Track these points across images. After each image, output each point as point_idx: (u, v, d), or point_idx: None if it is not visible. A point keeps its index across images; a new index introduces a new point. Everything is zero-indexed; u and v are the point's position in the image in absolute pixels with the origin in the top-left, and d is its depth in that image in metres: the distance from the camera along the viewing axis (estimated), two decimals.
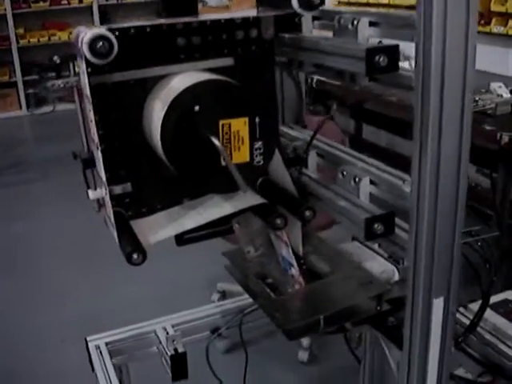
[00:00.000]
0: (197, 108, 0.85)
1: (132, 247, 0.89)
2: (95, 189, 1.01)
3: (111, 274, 2.80)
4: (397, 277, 1.19)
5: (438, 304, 0.96)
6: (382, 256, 1.24)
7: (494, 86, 2.61)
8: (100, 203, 1.03)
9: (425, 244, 0.90)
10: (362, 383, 1.74)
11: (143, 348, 1.38)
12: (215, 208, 1.02)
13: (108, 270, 2.81)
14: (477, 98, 2.35)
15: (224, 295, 2.68)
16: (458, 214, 0.90)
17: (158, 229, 0.99)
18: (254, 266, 1.20)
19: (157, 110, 0.92)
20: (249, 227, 1.19)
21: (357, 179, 1.01)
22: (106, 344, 1.34)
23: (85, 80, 0.86)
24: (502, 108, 2.28)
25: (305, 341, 2.31)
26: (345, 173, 1.05)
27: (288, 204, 1.02)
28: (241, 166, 0.91)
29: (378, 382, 1.73)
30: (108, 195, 0.91)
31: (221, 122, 0.88)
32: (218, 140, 0.87)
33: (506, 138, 1.99)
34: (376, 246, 1.30)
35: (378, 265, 1.19)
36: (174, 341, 1.31)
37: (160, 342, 1.36)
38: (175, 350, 1.31)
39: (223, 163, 0.90)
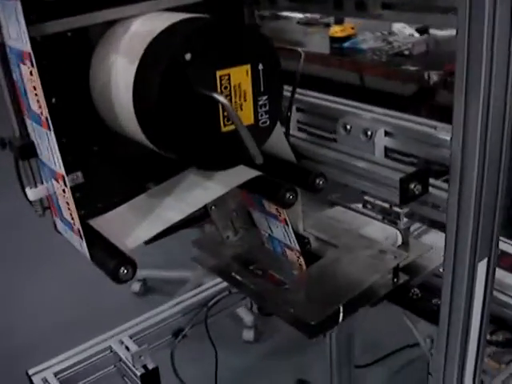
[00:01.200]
0: (188, 56, 0.61)
1: (116, 260, 0.64)
2: (35, 186, 0.74)
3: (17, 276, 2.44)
4: (400, 241, 1.04)
5: (482, 267, 0.82)
6: (375, 219, 1.09)
7: (398, 26, 2.53)
8: (44, 205, 0.76)
9: (473, 201, 0.74)
10: (329, 354, 1.62)
11: (100, 370, 1.12)
12: (201, 190, 0.79)
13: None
14: (391, 40, 2.26)
15: (145, 283, 2.42)
16: (504, 163, 0.75)
17: (133, 228, 0.74)
18: (234, 252, 0.99)
19: (120, 67, 0.67)
20: (227, 208, 0.97)
21: (368, 132, 0.83)
22: (55, 375, 1.07)
23: (20, 29, 0.58)
24: (419, 47, 2.20)
25: (247, 318, 2.13)
26: (348, 126, 0.86)
27: (292, 174, 0.81)
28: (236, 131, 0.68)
29: (345, 352, 1.62)
30: (69, 191, 0.65)
31: (218, 74, 0.65)
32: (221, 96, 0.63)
33: (434, 77, 1.91)
34: (360, 207, 1.14)
35: (379, 230, 1.03)
36: (140, 356, 1.07)
37: (120, 360, 1.11)
38: (144, 366, 1.07)
39: (225, 128, 0.67)
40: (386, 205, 1.09)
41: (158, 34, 0.63)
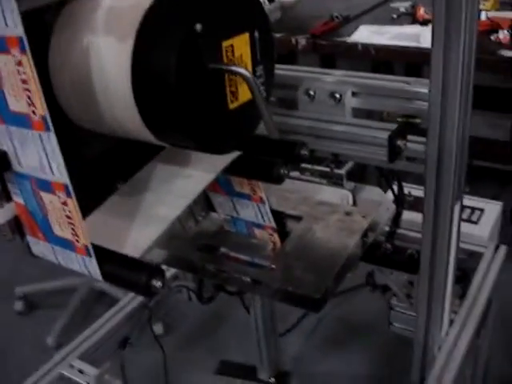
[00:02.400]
0: (199, 27, 0.54)
1: (145, 272, 0.55)
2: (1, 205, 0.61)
3: None
4: (351, 201, 1.04)
5: (457, 209, 0.86)
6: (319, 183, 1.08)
7: None
8: (12, 227, 0.63)
9: (455, 146, 0.76)
10: (254, 327, 1.62)
11: None
12: (185, 179, 0.72)
13: None
14: None
15: (27, 300, 2.19)
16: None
17: (129, 234, 0.65)
18: (200, 242, 0.92)
19: (105, 48, 0.57)
20: None
21: (336, 95, 0.81)
22: None
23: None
24: (275, 14, 2.22)
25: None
26: (312, 92, 0.83)
27: (273, 148, 0.77)
28: (246, 106, 0.63)
29: (270, 321, 1.63)
30: (73, 202, 0.54)
31: (224, 45, 0.58)
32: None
33: (302, 41, 1.94)
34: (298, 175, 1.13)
35: (331, 193, 1.03)
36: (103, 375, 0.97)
37: None
38: None
39: (232, 105, 0.61)
40: (326, 168, 1.09)
41: (153, 4, 0.55)
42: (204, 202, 0.93)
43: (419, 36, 1.86)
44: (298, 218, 0.95)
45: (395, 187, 1.07)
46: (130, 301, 1.17)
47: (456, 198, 0.82)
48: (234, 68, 0.56)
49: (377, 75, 0.81)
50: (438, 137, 0.75)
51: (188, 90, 0.55)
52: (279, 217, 0.90)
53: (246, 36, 0.60)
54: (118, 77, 0.56)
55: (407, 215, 1.07)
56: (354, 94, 0.81)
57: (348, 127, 0.79)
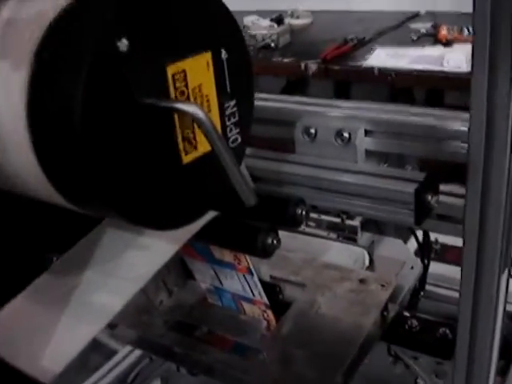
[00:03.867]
0: (123, 44, 0.35)
1: None
2: None
3: None
4: (367, 260, 0.85)
5: (504, 279, 0.66)
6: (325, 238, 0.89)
7: (249, 20, 2.37)
8: None
9: (503, 204, 0.56)
10: None
11: None
12: (140, 253, 0.53)
13: None
14: (253, 33, 2.08)
15: None
16: None
17: (55, 334, 0.46)
18: (173, 319, 0.73)
19: None
20: None
21: (345, 134, 0.62)
22: None
23: None
24: (284, 38, 2.06)
25: None
26: (313, 130, 0.64)
27: (260, 207, 0.57)
28: (206, 157, 0.44)
29: None
30: None
31: (170, 71, 0.39)
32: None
33: (313, 67, 1.76)
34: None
35: (342, 252, 0.83)
36: None
37: None
38: None
39: (186, 158, 0.42)
40: (337, 219, 0.90)
41: (59, 15, 0.36)
42: (180, 267, 0.74)
43: (443, 58, 1.67)
44: (300, 286, 0.75)
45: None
46: (104, 374, 0.98)
47: (504, 266, 0.63)
48: (178, 105, 0.37)
49: (395, 107, 0.62)
50: (481, 189, 0.56)
51: (106, 135, 0.36)
52: (274, 288, 0.70)
53: (206, 56, 0.42)
54: (12, 117, 0.38)
55: (434, 267, 0.88)
56: (367, 132, 0.62)
57: (360, 177, 0.59)
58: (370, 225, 0.97)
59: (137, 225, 0.43)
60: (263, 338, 0.69)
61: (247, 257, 0.62)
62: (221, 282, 0.70)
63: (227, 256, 0.64)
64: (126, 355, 1.02)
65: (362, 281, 0.74)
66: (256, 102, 0.62)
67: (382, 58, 1.76)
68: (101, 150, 0.36)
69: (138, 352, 1.02)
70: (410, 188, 0.56)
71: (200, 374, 1.03)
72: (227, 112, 0.45)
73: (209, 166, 0.43)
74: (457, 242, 1.08)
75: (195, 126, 0.41)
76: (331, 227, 0.89)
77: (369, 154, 0.63)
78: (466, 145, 0.53)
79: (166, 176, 0.41)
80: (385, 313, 0.73)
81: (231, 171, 0.40)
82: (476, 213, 0.56)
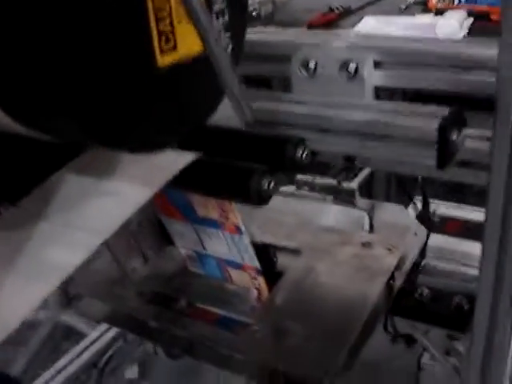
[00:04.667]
0: None
1: None
2: None
3: None
4: (367, 224, 0.76)
5: None
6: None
7: None
8: None
9: None
10: None
11: None
12: (112, 199, 0.43)
13: None
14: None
15: None
16: None
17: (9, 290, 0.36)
18: (151, 290, 0.63)
19: None
20: (128, 222, 0.60)
21: (351, 66, 0.53)
22: None
23: None
24: (266, 7, 1.95)
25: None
26: (311, 64, 0.54)
27: (256, 148, 0.48)
28: (194, 65, 0.34)
29: None
30: None
31: None
32: None
33: None
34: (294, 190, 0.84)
35: (340, 215, 0.74)
36: None
37: None
38: None
39: (162, 60, 0.32)
40: (332, 181, 0.81)
41: None
42: (156, 229, 0.64)
43: (435, 26, 1.59)
44: (295, 252, 0.66)
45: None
46: (73, 358, 0.88)
47: None
48: None
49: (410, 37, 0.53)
50: None
51: (59, 27, 0.26)
52: (266, 251, 0.61)
53: None
54: None
55: (432, 240, 0.79)
56: (377, 64, 0.53)
57: (370, 114, 0.50)
58: (368, 190, 0.88)
59: (103, 145, 0.33)
60: (254, 310, 0.60)
61: (236, 212, 0.53)
62: (204, 247, 0.60)
63: (212, 211, 0.54)
64: (98, 337, 0.92)
65: (365, 244, 0.65)
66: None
67: (370, 25, 1.67)
68: (54, 47, 0.26)
69: (110, 334, 0.92)
70: (433, 124, 0.46)
71: (180, 358, 0.94)
72: (215, 7, 0.35)
73: (193, 74, 0.33)
74: (456, 214, 1.00)
75: (173, 16, 0.31)
76: (326, 190, 0.80)
77: (379, 91, 0.54)
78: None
79: (138, 81, 0.31)
80: (391, 281, 0.64)
81: (225, 76, 0.30)
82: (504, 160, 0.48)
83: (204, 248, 0.60)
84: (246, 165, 0.44)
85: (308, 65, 0.54)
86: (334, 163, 0.64)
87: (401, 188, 0.95)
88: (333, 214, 0.74)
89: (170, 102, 0.35)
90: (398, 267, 0.64)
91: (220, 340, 0.56)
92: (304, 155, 0.47)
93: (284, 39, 0.57)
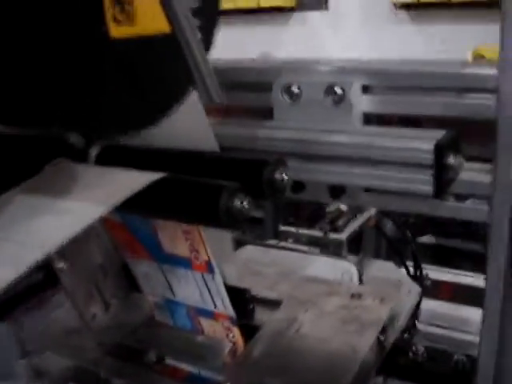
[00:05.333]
0: None
1: None
2: None
3: None
4: (356, 278, 0.70)
5: None
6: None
7: None
8: None
9: None
10: None
11: None
12: (62, 216, 0.37)
13: None
14: None
15: None
16: None
17: None
18: (112, 340, 0.56)
19: None
20: (88, 263, 0.54)
21: (337, 90, 0.48)
22: None
23: None
24: None
25: None
26: (295, 88, 0.50)
27: (231, 171, 0.43)
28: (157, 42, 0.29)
29: None
30: None
31: None
32: None
33: None
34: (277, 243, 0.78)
35: (326, 266, 0.68)
36: None
37: None
38: None
39: (116, 31, 0.27)
40: (319, 233, 0.75)
41: None
42: (121, 275, 0.57)
43: None
44: (275, 303, 0.59)
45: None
46: None
47: None
48: None
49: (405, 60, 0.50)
50: None
51: None
52: (242, 297, 0.54)
53: None
54: None
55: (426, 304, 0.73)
56: (365, 88, 0.48)
57: (360, 137, 0.45)
58: (356, 247, 0.83)
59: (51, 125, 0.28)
60: (227, 366, 0.53)
61: (207, 246, 0.47)
62: (173, 291, 0.54)
63: (180, 247, 0.48)
64: None
65: (354, 295, 0.58)
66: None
67: None
68: None
69: None
70: (428, 144, 0.42)
71: None
72: None
73: (155, 53, 0.28)
74: (449, 278, 0.94)
75: None
76: (313, 242, 0.75)
77: (368, 118, 0.50)
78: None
79: (87, 50, 0.26)
80: (382, 337, 0.57)
81: (193, 53, 0.26)
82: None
83: (173, 293, 0.54)
84: (214, 182, 0.38)
85: (290, 89, 0.50)
86: (321, 200, 0.58)
87: (391, 248, 0.90)
88: (318, 264, 0.68)
89: (124, 82, 0.30)
90: (390, 321, 0.57)
91: None
92: (284, 177, 0.42)
93: (265, 67, 0.53)
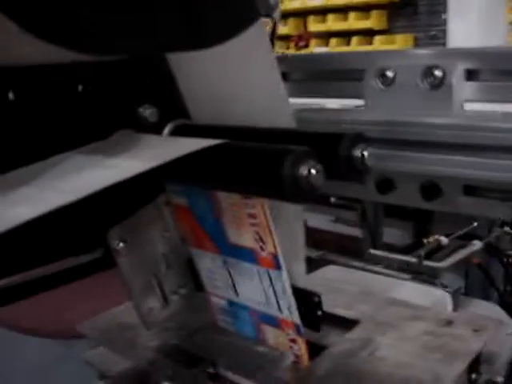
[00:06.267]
0: None
1: None
2: None
3: None
4: (450, 308, 0.61)
5: None
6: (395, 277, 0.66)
7: None
8: None
9: None
10: None
11: None
12: (106, 170, 0.34)
13: None
14: None
15: None
16: None
17: None
18: (164, 342, 0.51)
19: None
20: (148, 249, 0.50)
21: (436, 73, 0.42)
22: None
23: None
24: None
25: None
26: (390, 73, 0.45)
27: (302, 143, 0.38)
28: None
29: None
30: None
31: None
32: None
33: None
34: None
35: (416, 292, 0.60)
36: None
37: None
38: None
39: None
40: (413, 258, 0.68)
41: None
42: (185, 269, 0.53)
43: None
44: (352, 323, 0.52)
45: None
46: None
47: None
48: None
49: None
50: None
51: None
52: (310, 302, 0.48)
53: None
54: None
55: None
56: (469, 72, 0.42)
57: (459, 118, 0.39)
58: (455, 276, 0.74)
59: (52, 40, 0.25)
60: (287, 381, 0.46)
61: (274, 235, 0.42)
62: (236, 291, 0.49)
63: (246, 235, 0.43)
64: None
65: (442, 322, 0.50)
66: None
67: None
68: None
69: None
70: None
71: None
72: None
73: None
74: None
75: None
76: (403, 268, 0.67)
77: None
78: None
79: None
80: (473, 375, 0.48)
81: None
82: None
83: (236, 292, 0.49)
84: (279, 146, 0.34)
85: (385, 73, 0.45)
86: (411, 203, 0.51)
87: (493, 287, 0.80)
88: (407, 290, 0.60)
89: None
90: (486, 357, 0.49)
91: None
92: (364, 154, 0.36)
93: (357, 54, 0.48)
